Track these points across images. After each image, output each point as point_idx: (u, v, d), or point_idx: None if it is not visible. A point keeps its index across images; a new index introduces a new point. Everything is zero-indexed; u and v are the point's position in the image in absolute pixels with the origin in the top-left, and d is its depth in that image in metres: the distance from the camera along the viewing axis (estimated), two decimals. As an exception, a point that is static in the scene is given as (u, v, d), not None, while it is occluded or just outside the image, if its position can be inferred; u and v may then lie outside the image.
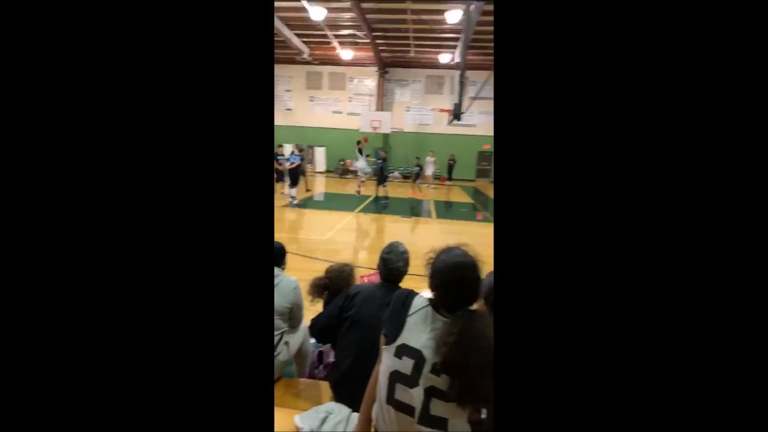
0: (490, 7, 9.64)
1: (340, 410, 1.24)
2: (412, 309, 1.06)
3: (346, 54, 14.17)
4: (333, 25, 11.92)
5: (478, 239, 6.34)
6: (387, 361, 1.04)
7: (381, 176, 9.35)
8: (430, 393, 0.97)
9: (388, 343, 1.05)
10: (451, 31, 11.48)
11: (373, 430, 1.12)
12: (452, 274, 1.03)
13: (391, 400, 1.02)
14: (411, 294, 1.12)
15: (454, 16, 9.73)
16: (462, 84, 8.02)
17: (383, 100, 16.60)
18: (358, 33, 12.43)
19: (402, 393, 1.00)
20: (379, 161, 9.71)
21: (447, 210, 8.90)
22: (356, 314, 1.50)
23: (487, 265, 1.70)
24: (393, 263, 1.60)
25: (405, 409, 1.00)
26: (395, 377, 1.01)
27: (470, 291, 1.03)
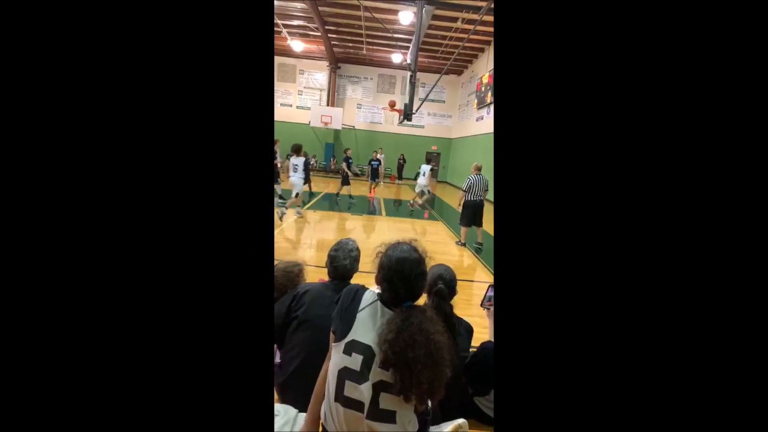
0: (441, 12, 9.97)
1: (286, 411, 1.21)
2: (362, 304, 1.06)
3: (297, 45, 13.72)
4: (283, 14, 11.45)
5: (426, 236, 6.54)
6: (336, 359, 1.03)
7: (345, 177, 9.21)
8: (379, 387, 0.98)
9: (338, 340, 1.04)
10: (404, 32, 11.67)
11: (321, 429, 1.10)
12: (395, 269, 1.04)
13: (339, 397, 1.01)
14: (361, 289, 1.11)
15: (406, 17, 9.89)
16: (413, 85, 8.18)
17: (334, 96, 16.37)
18: (309, 25, 12.10)
19: (351, 389, 0.99)
20: (374, 162, 9.96)
21: (396, 208, 9.05)
22: (304, 314, 1.45)
23: (433, 260, 1.75)
24: (340, 261, 1.57)
25: (354, 405, 1.00)
26: (344, 374, 1.00)
27: (411, 286, 1.04)
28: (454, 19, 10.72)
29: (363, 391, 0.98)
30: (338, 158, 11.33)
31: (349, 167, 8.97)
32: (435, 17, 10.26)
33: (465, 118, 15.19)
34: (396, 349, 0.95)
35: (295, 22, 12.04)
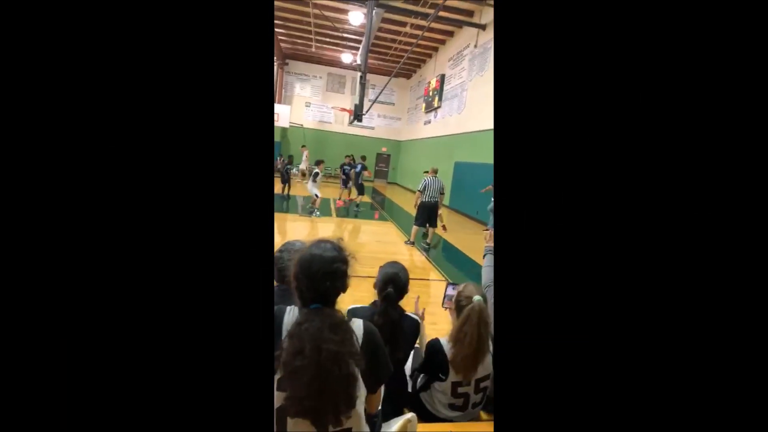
0: (391, 15, 10.10)
1: None
2: (285, 330, 0.95)
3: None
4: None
5: (376, 237, 6.55)
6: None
7: (347, 181, 8.89)
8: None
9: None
10: (354, 32, 11.64)
11: None
12: (302, 267, 0.96)
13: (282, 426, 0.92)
14: (279, 315, 1.00)
15: (356, 17, 9.87)
16: (363, 86, 8.17)
17: (282, 93, 15.82)
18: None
19: (297, 425, 0.91)
20: (357, 166, 9.05)
21: (346, 210, 8.96)
22: None
23: (381, 261, 1.71)
24: (284, 262, 1.48)
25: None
26: (285, 413, 0.92)
27: (317, 286, 0.95)
28: (404, 24, 10.94)
29: None
30: (284, 157, 10.77)
31: (357, 175, 8.71)
32: (385, 20, 10.37)
33: (414, 121, 15.58)
34: (285, 357, 0.89)
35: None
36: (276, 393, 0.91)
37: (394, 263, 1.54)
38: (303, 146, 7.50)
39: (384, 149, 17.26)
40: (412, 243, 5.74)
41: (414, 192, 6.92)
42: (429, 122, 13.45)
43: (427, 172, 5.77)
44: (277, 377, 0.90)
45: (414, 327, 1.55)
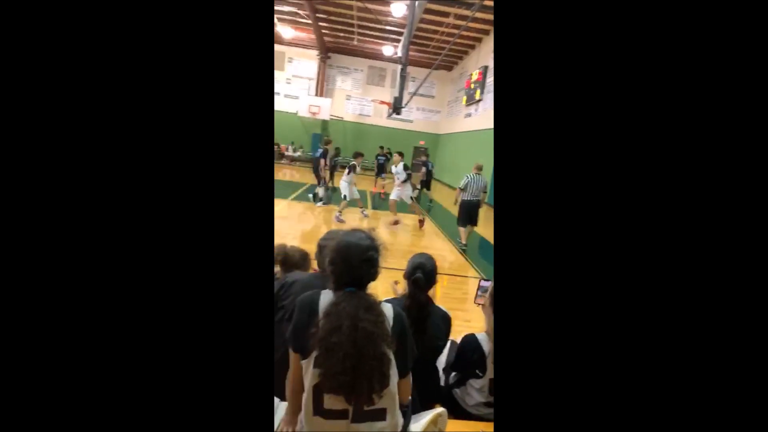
0: (434, 6, 9.91)
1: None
2: (322, 311, 0.99)
3: (286, 32, 13.40)
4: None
5: (409, 229, 6.54)
6: (308, 374, 0.97)
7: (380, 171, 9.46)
8: None
9: (304, 357, 0.97)
10: (396, 24, 11.56)
11: None
12: (341, 252, 1.01)
13: (318, 411, 0.96)
14: (316, 298, 1.04)
15: (398, 9, 9.79)
16: (403, 78, 8.11)
17: (323, 86, 16.13)
18: (300, 12, 11.83)
19: (332, 402, 0.95)
20: (381, 158, 10.09)
21: (381, 201, 9.03)
22: (291, 304, 1.42)
23: (409, 254, 1.72)
24: (325, 250, 1.53)
25: (336, 415, 0.96)
26: (320, 388, 0.95)
27: (354, 271, 1.00)
28: (446, 14, 10.69)
29: (344, 398, 0.94)
30: (328, 149, 10.97)
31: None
32: (427, 11, 10.19)
33: (454, 114, 15.23)
34: (321, 334, 0.92)
35: (286, 8, 11.76)
36: (312, 370, 0.96)
37: (423, 254, 1.56)
38: (399, 153, 6.55)
39: (422, 142, 17.07)
40: (465, 246, 5.37)
41: (454, 188, 6.63)
42: (470, 115, 13.10)
43: (478, 168, 5.43)
44: (314, 355, 0.95)
45: (444, 318, 1.56)
